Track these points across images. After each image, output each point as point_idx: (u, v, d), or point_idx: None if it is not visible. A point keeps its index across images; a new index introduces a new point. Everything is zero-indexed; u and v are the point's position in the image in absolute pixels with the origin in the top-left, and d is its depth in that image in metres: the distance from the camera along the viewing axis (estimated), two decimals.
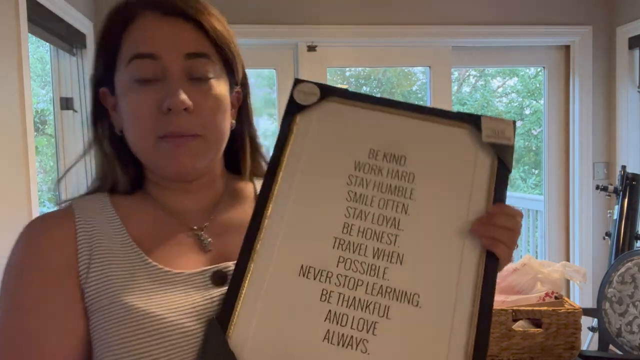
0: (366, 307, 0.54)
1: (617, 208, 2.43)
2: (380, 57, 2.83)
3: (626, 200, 2.39)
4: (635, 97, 2.76)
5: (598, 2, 2.82)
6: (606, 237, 2.59)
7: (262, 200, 0.58)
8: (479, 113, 0.63)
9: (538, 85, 6.38)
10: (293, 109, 0.63)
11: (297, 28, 2.65)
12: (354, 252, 0.57)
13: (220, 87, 0.66)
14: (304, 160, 0.60)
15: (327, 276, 0.55)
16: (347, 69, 3.54)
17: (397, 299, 0.55)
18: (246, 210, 0.70)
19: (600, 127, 2.86)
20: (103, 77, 0.67)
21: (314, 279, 0.55)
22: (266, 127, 2.91)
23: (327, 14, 2.66)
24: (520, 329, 1.25)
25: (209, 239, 0.66)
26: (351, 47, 2.78)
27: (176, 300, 0.58)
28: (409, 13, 2.71)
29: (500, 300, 1.31)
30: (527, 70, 6.34)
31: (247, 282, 0.54)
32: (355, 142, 0.62)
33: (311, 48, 2.68)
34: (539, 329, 1.24)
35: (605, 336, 1.92)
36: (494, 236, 0.57)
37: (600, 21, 2.83)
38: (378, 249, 0.57)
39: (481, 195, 0.60)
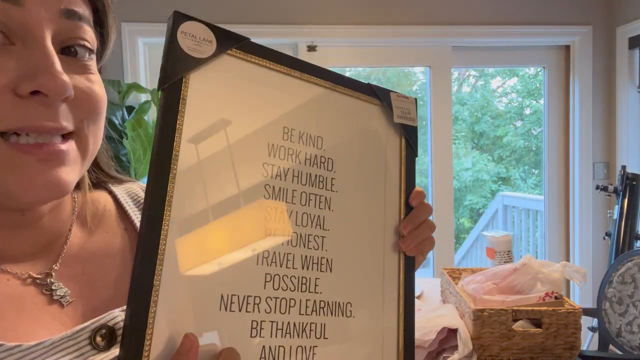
0: (302, 332, 0.46)
1: (617, 208, 2.43)
2: (380, 57, 2.83)
3: (626, 200, 2.39)
4: (635, 97, 2.76)
5: (598, 2, 2.82)
6: (606, 237, 2.59)
7: (154, 211, 0.39)
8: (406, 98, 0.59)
9: (538, 85, 6.39)
10: (182, 66, 0.41)
11: (297, 28, 2.65)
12: (281, 265, 0.45)
13: (97, 71, 0.47)
14: (205, 145, 0.42)
15: (254, 303, 0.43)
16: (347, 68, 3.54)
17: (331, 314, 0.48)
18: (111, 231, 0.53)
19: (600, 127, 2.86)
20: None
21: (240, 310, 0.42)
22: None
23: (327, 14, 2.66)
24: (520, 329, 1.25)
25: (65, 289, 0.46)
26: (351, 47, 2.78)
27: None
28: (409, 13, 2.71)
29: (500, 300, 1.31)
30: (527, 70, 6.34)
31: (150, 334, 0.37)
32: (266, 118, 0.47)
33: (311, 48, 2.68)
34: (539, 329, 1.24)
35: (605, 336, 1.92)
36: (417, 248, 0.55)
37: (600, 21, 2.83)
38: (306, 256, 0.47)
39: (395, 183, 0.56)
